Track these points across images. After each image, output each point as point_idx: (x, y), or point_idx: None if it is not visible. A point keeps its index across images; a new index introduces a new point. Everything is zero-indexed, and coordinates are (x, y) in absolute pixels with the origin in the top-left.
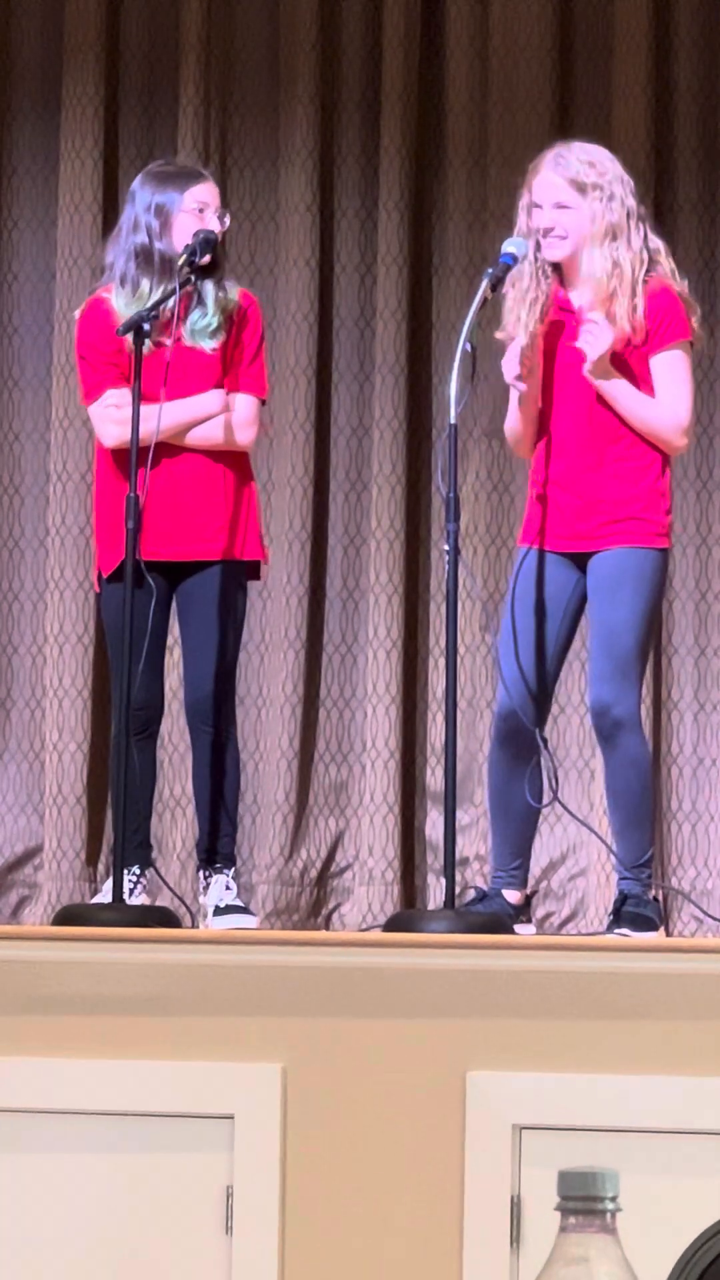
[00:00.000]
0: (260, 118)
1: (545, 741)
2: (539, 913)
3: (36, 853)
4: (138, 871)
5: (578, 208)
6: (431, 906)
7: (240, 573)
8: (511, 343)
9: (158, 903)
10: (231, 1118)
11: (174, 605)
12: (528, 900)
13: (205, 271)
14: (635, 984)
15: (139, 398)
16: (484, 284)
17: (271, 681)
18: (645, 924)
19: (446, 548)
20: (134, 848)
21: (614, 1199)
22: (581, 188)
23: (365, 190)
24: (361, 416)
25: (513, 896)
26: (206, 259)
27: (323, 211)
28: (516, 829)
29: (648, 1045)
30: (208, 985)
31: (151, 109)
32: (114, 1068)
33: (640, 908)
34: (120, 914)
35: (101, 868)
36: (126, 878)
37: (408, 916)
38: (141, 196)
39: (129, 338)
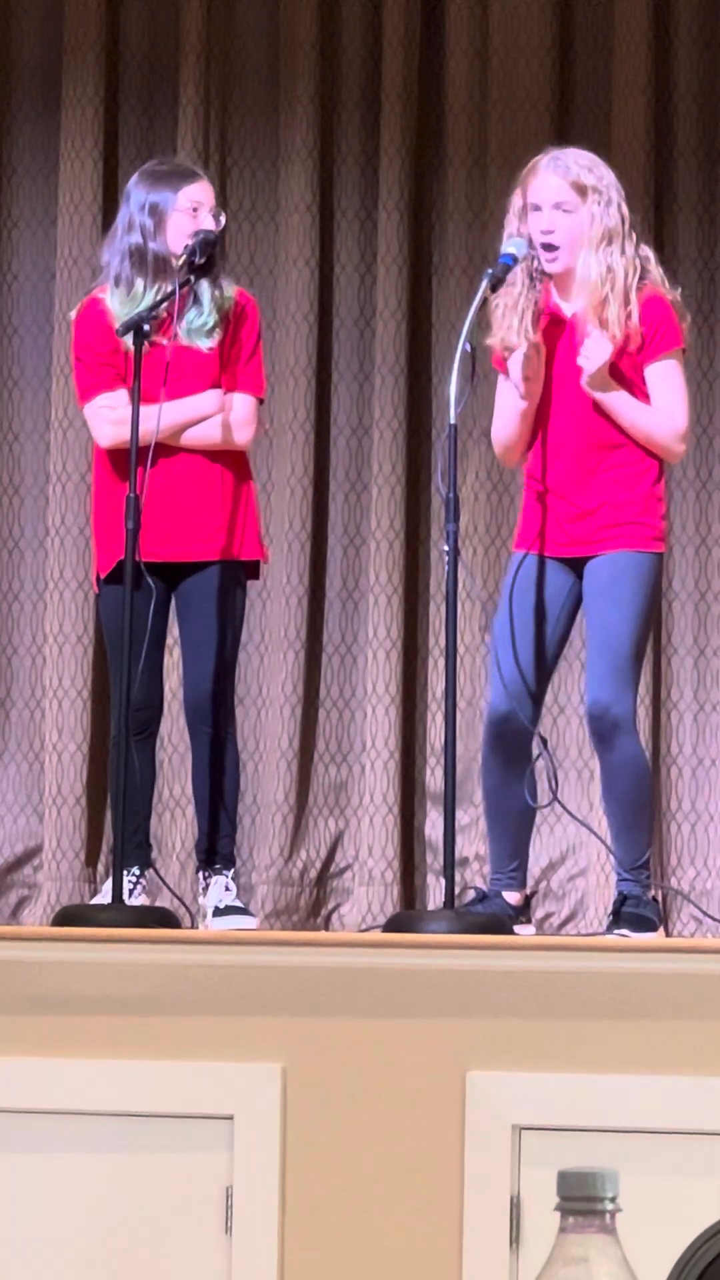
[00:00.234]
0: (260, 118)
1: (545, 742)
2: (539, 913)
3: (36, 853)
4: (137, 872)
5: (577, 210)
6: (431, 907)
7: (239, 572)
8: (502, 348)
9: (157, 903)
10: (231, 1118)
11: (173, 605)
12: (527, 901)
13: (201, 271)
14: (635, 984)
15: (139, 398)
16: (484, 284)
17: (271, 681)
18: (645, 924)
19: (446, 548)
20: (133, 848)
21: (614, 1199)
22: (582, 190)
23: (365, 190)
24: (361, 416)
25: (512, 897)
26: (204, 259)
27: (322, 211)
28: (513, 831)
29: (648, 1045)
30: (207, 985)
31: (151, 109)
32: (114, 1068)
33: (640, 908)
34: (120, 914)
35: (101, 868)
36: (126, 878)
37: (407, 917)
38: (136, 196)
39: (125, 338)
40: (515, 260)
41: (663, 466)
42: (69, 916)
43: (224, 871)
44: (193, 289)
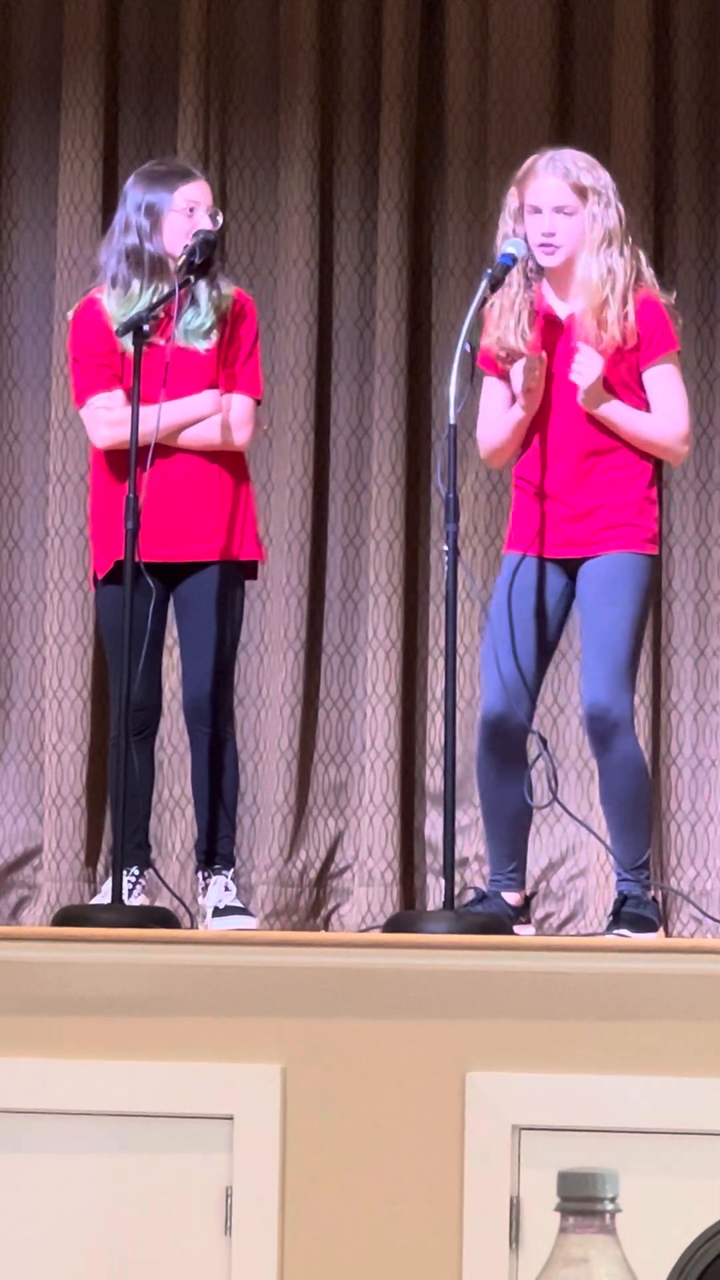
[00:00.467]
0: (260, 118)
1: (545, 742)
2: (538, 913)
3: (36, 853)
4: (137, 872)
5: (577, 212)
6: (431, 907)
7: (237, 573)
8: (498, 348)
9: (157, 903)
10: (231, 1118)
11: (171, 606)
12: (527, 901)
13: (199, 272)
14: (635, 984)
15: (139, 399)
16: (483, 285)
17: (271, 682)
18: (645, 925)
19: (446, 548)
20: (133, 848)
21: (613, 1199)
22: (582, 192)
23: (365, 190)
24: (361, 417)
25: (511, 898)
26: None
27: (322, 212)
28: (510, 832)
29: (647, 1046)
30: (207, 986)
31: (151, 109)
32: (114, 1068)
33: (640, 908)
34: (119, 915)
35: (101, 868)
36: (126, 878)
37: (407, 917)
38: (132, 197)
39: (123, 339)
40: (515, 261)
41: (656, 469)
42: (69, 917)
43: (223, 872)
44: (190, 290)
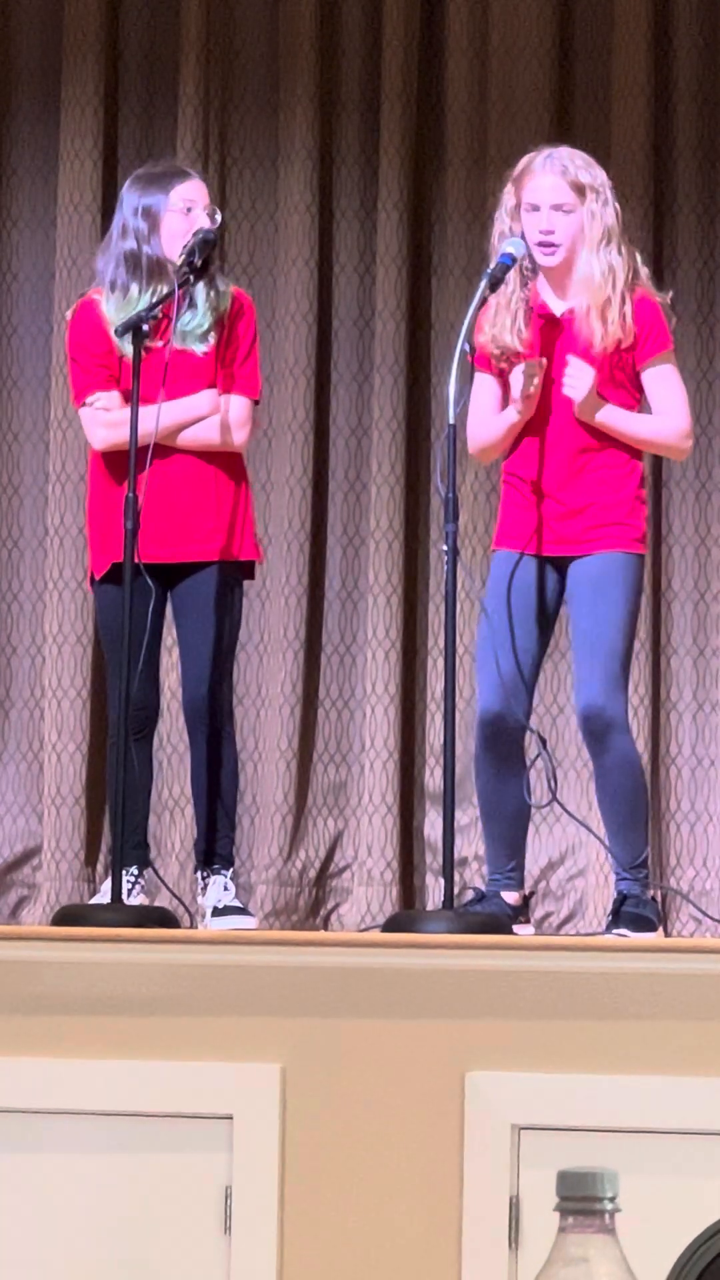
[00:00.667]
0: (260, 118)
1: (544, 741)
2: (538, 913)
3: (35, 853)
4: (136, 872)
5: (576, 210)
6: (430, 907)
7: (235, 573)
8: (494, 347)
9: (156, 903)
10: (230, 1118)
11: (169, 606)
12: (526, 901)
13: (198, 272)
14: (635, 984)
15: (138, 399)
16: (483, 284)
17: (270, 682)
18: (644, 924)
19: (445, 548)
20: (132, 848)
21: (613, 1199)
22: (580, 190)
23: (365, 190)
24: (360, 417)
25: (511, 897)
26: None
27: (322, 211)
28: (508, 832)
29: (647, 1045)
30: (207, 985)
31: (151, 109)
32: (113, 1068)
33: (639, 908)
34: (119, 914)
35: (100, 868)
36: (125, 878)
37: (406, 917)
38: (129, 201)
39: (120, 340)
40: (514, 260)
41: (646, 469)
42: (68, 916)
43: (223, 871)
44: (188, 291)
